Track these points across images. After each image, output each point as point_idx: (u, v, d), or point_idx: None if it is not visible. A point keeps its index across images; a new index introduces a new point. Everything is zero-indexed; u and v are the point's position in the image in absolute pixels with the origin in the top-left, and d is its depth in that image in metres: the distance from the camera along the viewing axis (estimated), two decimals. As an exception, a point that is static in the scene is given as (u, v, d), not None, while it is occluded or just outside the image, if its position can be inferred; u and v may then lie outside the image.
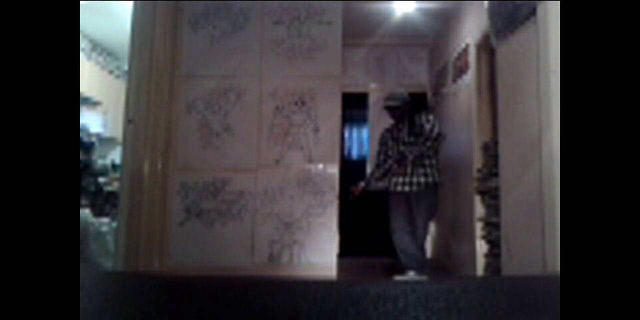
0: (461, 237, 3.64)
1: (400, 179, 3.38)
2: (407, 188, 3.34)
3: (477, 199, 3.25)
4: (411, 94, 3.62)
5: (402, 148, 3.42)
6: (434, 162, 3.39)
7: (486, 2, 2.77)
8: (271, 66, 3.18)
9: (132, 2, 2.91)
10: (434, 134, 3.30)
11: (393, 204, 3.42)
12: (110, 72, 4.85)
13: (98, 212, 3.54)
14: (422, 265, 3.34)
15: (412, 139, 3.38)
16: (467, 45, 3.56)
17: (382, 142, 3.61)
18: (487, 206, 3.11)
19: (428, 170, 3.35)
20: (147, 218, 2.80)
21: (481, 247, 3.18)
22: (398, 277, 3.38)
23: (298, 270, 2.96)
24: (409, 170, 3.37)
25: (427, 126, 3.28)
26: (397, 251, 3.41)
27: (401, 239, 3.36)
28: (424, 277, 3.28)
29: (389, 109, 3.48)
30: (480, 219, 3.21)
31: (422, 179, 3.33)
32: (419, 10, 4.10)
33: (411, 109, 3.48)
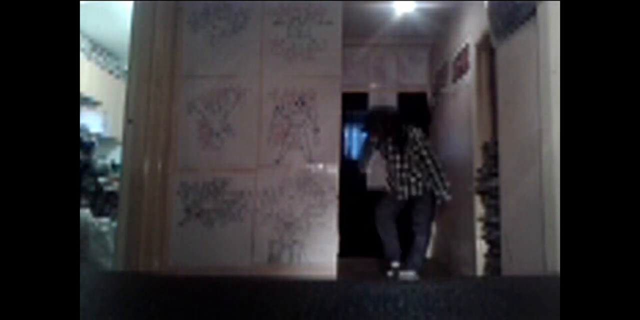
0: (461, 237, 3.64)
1: (399, 188, 3.48)
2: (400, 197, 3.45)
3: (477, 199, 3.26)
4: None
5: (392, 164, 3.51)
6: (428, 172, 3.43)
7: (486, 2, 2.77)
8: (271, 66, 3.18)
9: (132, 2, 2.91)
10: (417, 139, 3.42)
11: (384, 199, 3.56)
12: (110, 72, 4.86)
13: (98, 212, 3.54)
14: (418, 266, 3.41)
15: (396, 147, 3.49)
16: (467, 45, 3.56)
17: (366, 148, 3.72)
18: (487, 206, 3.11)
19: (421, 183, 3.43)
20: (147, 218, 2.80)
21: (481, 247, 3.18)
22: (390, 272, 3.47)
23: (298, 270, 2.96)
24: (399, 186, 3.46)
25: (410, 135, 3.44)
26: (382, 242, 3.49)
27: (387, 232, 3.46)
28: (413, 275, 3.34)
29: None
30: (480, 219, 3.21)
31: (414, 190, 3.43)
32: (419, 10, 4.10)
33: (399, 122, 3.57)
